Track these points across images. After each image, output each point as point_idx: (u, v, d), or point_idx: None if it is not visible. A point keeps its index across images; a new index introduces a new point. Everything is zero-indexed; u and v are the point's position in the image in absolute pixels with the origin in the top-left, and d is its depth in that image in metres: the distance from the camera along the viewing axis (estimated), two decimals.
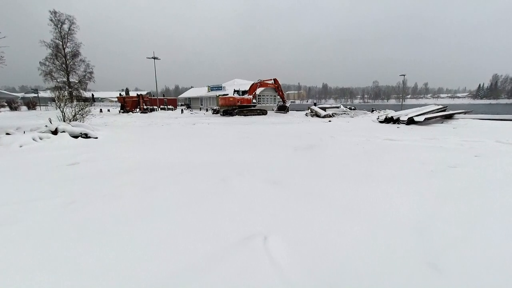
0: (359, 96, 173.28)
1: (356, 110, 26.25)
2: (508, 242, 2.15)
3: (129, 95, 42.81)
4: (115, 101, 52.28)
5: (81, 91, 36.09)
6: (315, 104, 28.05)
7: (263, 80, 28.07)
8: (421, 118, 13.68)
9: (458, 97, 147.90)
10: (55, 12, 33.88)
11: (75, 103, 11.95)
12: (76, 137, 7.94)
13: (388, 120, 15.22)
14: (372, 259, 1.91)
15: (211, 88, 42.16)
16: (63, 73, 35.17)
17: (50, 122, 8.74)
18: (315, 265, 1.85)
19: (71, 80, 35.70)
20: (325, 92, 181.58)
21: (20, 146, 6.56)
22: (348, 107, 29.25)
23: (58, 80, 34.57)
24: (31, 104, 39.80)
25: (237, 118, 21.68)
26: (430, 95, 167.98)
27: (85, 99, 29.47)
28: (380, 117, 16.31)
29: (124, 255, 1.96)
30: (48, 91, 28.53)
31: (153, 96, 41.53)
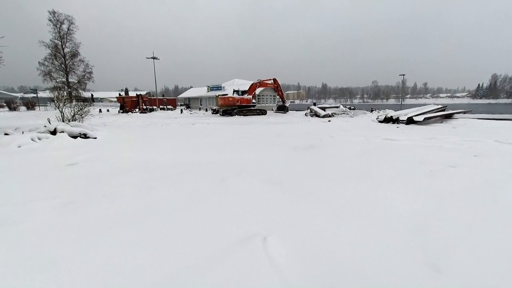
0: (359, 96, 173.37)
1: (355, 110, 26.26)
2: (508, 242, 2.14)
3: (128, 95, 42.83)
4: (115, 101, 52.22)
5: (80, 91, 36.02)
6: (314, 104, 28.03)
7: (263, 80, 28.03)
8: (421, 118, 13.70)
9: (458, 97, 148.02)
10: (54, 12, 33.82)
11: (74, 103, 11.92)
12: (75, 137, 7.92)
13: (387, 120, 15.23)
14: (372, 259, 1.91)
15: (211, 88, 42.11)
16: (62, 73, 35.11)
17: (49, 122, 8.72)
18: (315, 265, 1.85)
19: (70, 80, 35.64)
20: (324, 92, 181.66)
21: (19, 147, 6.54)
22: (347, 107, 29.27)
23: (57, 80, 34.51)
24: (30, 104, 39.70)
25: (236, 118, 21.67)
26: (429, 95, 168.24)
27: (84, 99, 29.45)
28: (379, 117, 16.32)
29: (124, 255, 1.95)
30: (47, 91, 28.39)
31: (153, 96, 41.48)
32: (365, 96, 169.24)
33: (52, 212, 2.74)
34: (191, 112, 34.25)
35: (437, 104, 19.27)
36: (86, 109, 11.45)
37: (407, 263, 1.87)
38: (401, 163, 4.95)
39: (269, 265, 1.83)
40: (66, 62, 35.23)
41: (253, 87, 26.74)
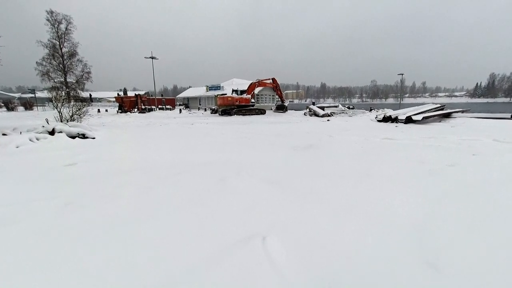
0: (358, 95, 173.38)
1: (354, 109, 26.24)
2: (507, 241, 2.15)
3: (127, 95, 42.69)
4: (113, 101, 52.08)
5: (78, 91, 35.87)
6: (313, 104, 28.04)
7: (262, 80, 28.01)
8: (419, 117, 13.73)
9: (456, 96, 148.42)
10: (51, 12, 33.61)
11: (72, 103, 11.88)
12: (73, 137, 7.89)
13: (386, 119, 15.25)
14: (372, 259, 1.91)
15: (210, 88, 42.06)
16: (60, 73, 34.93)
17: (47, 123, 8.68)
18: (315, 265, 1.85)
19: (68, 80, 35.48)
20: (323, 92, 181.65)
21: (17, 147, 6.52)
22: (346, 106, 29.26)
23: (55, 80, 34.30)
24: (28, 105, 39.61)
25: (235, 118, 21.64)
26: (428, 94, 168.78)
27: (83, 99, 29.27)
28: (378, 116, 16.34)
29: (124, 256, 1.95)
30: (45, 91, 28.31)
31: (151, 96, 41.38)
32: (364, 95, 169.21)
33: (52, 212, 2.74)
34: (190, 112, 34.19)
35: (436, 103, 19.30)
36: (84, 109, 11.44)
37: (406, 262, 1.87)
38: (400, 162, 4.96)
39: (269, 265, 1.83)
40: (64, 62, 35.05)
41: (252, 87, 26.72)
